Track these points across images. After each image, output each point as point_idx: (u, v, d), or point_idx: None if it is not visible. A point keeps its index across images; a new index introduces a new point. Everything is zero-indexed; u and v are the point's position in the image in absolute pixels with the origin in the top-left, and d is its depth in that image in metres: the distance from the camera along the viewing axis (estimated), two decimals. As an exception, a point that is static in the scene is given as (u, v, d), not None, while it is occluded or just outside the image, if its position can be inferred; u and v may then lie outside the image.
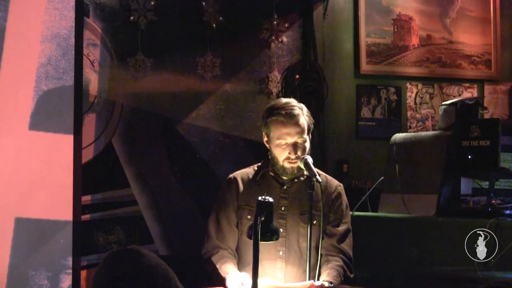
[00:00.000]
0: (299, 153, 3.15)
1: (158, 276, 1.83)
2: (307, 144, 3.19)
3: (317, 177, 3.03)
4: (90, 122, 4.42)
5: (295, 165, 3.16)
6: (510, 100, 5.51)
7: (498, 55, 5.56)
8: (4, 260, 3.67)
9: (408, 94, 5.40)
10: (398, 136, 4.32)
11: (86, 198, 4.30)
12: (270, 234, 2.81)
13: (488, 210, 3.72)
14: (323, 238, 3.21)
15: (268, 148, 3.26)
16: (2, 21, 3.70)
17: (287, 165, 3.18)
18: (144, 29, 4.55)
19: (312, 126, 3.24)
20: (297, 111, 3.16)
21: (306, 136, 3.18)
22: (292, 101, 3.23)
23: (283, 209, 3.22)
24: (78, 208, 3.86)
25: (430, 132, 4.58)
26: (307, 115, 3.20)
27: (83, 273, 4.12)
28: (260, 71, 4.93)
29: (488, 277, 3.19)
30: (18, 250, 3.70)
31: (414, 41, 5.41)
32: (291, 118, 3.14)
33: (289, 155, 3.16)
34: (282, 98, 3.35)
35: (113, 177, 4.50)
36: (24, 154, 3.74)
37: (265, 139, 3.26)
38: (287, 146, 3.16)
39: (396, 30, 5.37)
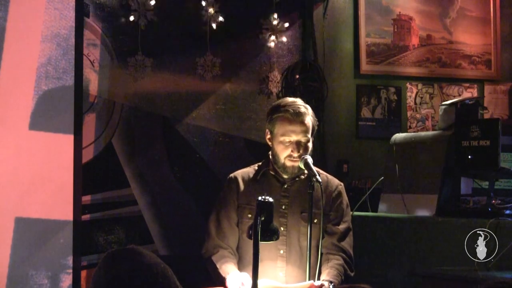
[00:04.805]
0: (301, 151, 3.16)
1: (157, 275, 1.83)
2: (310, 144, 3.20)
3: (317, 177, 3.03)
4: (90, 122, 4.42)
5: (296, 164, 3.17)
6: (510, 100, 5.51)
7: (498, 55, 5.56)
8: (4, 260, 3.67)
9: (408, 94, 5.40)
10: (398, 136, 4.32)
11: (86, 198, 4.30)
12: (270, 234, 2.81)
13: (488, 210, 3.71)
14: (323, 237, 3.21)
15: (270, 145, 3.27)
16: (2, 21, 3.71)
17: (288, 163, 3.19)
18: (144, 29, 4.55)
19: (316, 128, 3.26)
20: (303, 110, 3.20)
21: (309, 136, 3.19)
22: (299, 101, 3.26)
23: (283, 207, 3.22)
24: (78, 208, 3.86)
25: (430, 132, 4.58)
26: (312, 116, 3.23)
27: (83, 273, 4.12)
28: (260, 71, 4.93)
29: (488, 277, 3.19)
30: (18, 250, 3.71)
31: (414, 41, 5.41)
32: (297, 116, 3.17)
33: (292, 153, 3.17)
34: (287, 97, 3.37)
35: (113, 177, 4.50)
36: (24, 154, 3.74)
37: (268, 136, 3.27)
38: (290, 144, 3.17)
39: (396, 30, 5.37)
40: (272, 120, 3.23)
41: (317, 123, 3.29)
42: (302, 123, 3.17)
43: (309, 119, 3.20)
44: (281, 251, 3.21)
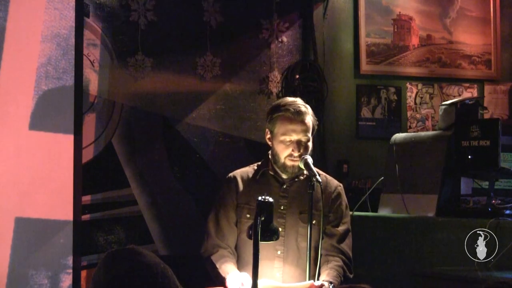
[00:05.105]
0: (301, 151, 3.16)
1: (157, 275, 1.83)
2: (310, 144, 3.20)
3: (317, 177, 3.03)
4: (90, 122, 4.42)
5: (296, 163, 3.17)
6: (510, 100, 5.51)
7: (498, 55, 5.56)
8: (4, 260, 3.67)
9: (408, 94, 5.40)
10: (398, 136, 4.32)
11: (86, 198, 4.30)
12: (270, 234, 2.81)
13: (488, 210, 3.72)
14: (322, 238, 3.21)
15: (270, 145, 3.27)
16: (2, 21, 3.71)
17: (288, 162, 3.19)
18: (144, 29, 4.55)
19: (315, 127, 3.26)
20: (304, 109, 3.20)
21: (310, 135, 3.19)
22: (299, 100, 3.26)
23: (282, 208, 3.22)
24: (78, 208, 3.86)
25: (430, 132, 4.58)
26: (312, 115, 3.23)
27: (83, 273, 4.12)
28: (260, 71, 4.93)
29: (488, 277, 3.19)
30: (18, 250, 3.71)
31: (414, 41, 5.41)
32: (298, 115, 3.17)
33: (292, 152, 3.17)
34: (287, 97, 3.36)
35: (113, 177, 4.50)
36: (24, 154, 3.74)
37: (268, 136, 3.27)
38: (291, 143, 3.17)
39: (396, 30, 5.37)
40: (272, 119, 3.23)
41: (317, 122, 3.29)
42: (303, 122, 3.17)
43: (309, 118, 3.20)
44: (279, 252, 3.21)
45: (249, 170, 3.35)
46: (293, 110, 3.17)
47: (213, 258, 3.19)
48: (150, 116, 4.61)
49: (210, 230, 3.28)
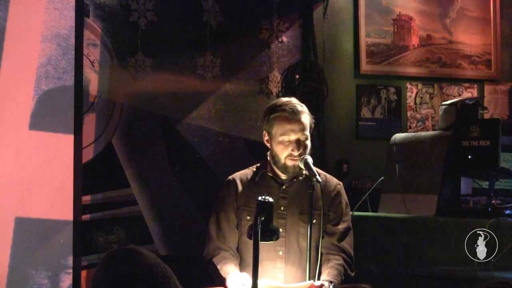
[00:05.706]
0: (301, 150, 3.16)
1: (157, 276, 1.83)
2: (309, 142, 3.20)
3: (317, 177, 3.03)
4: (90, 122, 4.42)
5: (296, 163, 3.17)
6: (510, 100, 5.51)
7: (498, 55, 5.56)
8: (4, 260, 3.67)
9: (408, 94, 5.40)
10: (398, 136, 4.32)
11: (86, 198, 4.30)
12: (270, 234, 2.81)
13: (488, 210, 3.71)
14: (323, 237, 3.21)
15: (269, 146, 3.26)
16: (2, 21, 3.71)
17: (289, 162, 3.19)
18: (144, 29, 4.55)
19: (313, 125, 3.26)
20: (300, 108, 3.20)
21: (308, 134, 3.19)
22: (294, 99, 3.26)
23: (282, 209, 3.22)
24: (78, 208, 3.86)
25: (430, 132, 4.58)
26: (308, 114, 3.23)
27: (83, 273, 4.12)
28: (260, 71, 4.93)
29: (488, 277, 3.19)
30: (18, 250, 3.71)
31: (414, 41, 5.41)
32: (295, 115, 3.16)
33: (292, 152, 3.16)
34: (281, 97, 3.36)
35: (113, 177, 4.50)
36: (24, 154, 3.74)
37: (266, 137, 3.26)
38: (290, 143, 3.16)
39: (396, 30, 5.37)
40: (269, 120, 3.22)
41: (314, 120, 3.28)
42: (300, 121, 3.17)
43: (306, 117, 3.20)
44: (280, 253, 3.20)
45: (248, 172, 3.35)
46: (289, 109, 3.17)
47: (215, 260, 3.19)
48: (150, 116, 4.61)
49: (211, 234, 3.27)
